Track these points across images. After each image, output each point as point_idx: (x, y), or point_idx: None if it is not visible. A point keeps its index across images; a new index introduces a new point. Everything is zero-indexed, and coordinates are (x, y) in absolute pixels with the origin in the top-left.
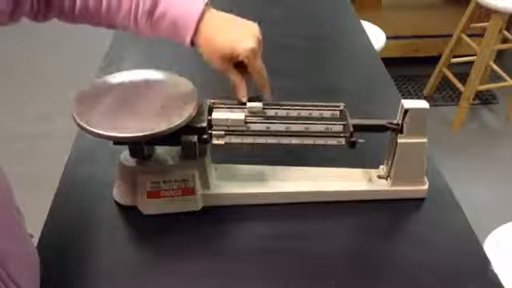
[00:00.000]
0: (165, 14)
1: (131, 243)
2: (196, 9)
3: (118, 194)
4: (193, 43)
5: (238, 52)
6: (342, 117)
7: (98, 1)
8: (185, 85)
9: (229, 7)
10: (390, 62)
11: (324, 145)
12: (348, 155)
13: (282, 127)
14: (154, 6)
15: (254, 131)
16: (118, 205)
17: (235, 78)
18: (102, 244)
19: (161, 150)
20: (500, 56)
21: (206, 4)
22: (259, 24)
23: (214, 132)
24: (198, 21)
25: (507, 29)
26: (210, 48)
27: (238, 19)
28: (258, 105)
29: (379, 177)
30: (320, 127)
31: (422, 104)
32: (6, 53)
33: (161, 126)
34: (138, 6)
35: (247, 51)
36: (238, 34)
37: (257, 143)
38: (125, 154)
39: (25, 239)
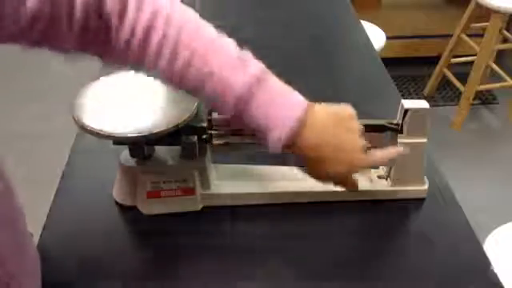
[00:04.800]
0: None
1: (131, 243)
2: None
3: (118, 194)
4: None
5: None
6: None
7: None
8: None
9: (230, 7)
10: (390, 62)
11: None
12: None
13: None
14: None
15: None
16: (118, 205)
17: None
18: (101, 244)
19: (161, 150)
20: (500, 56)
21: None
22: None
23: (213, 132)
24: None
25: (507, 29)
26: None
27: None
28: None
29: (379, 177)
30: None
31: (422, 104)
32: (6, 53)
33: (161, 126)
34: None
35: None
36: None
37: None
38: (125, 154)
39: (25, 239)
